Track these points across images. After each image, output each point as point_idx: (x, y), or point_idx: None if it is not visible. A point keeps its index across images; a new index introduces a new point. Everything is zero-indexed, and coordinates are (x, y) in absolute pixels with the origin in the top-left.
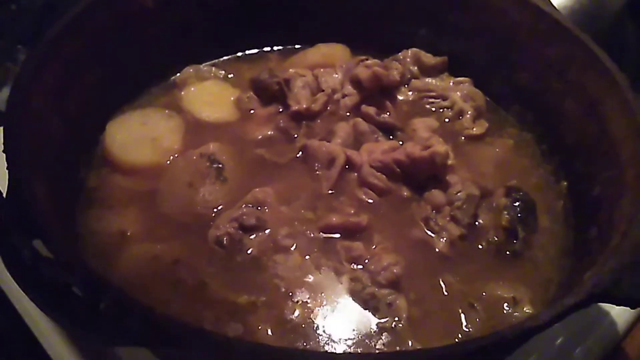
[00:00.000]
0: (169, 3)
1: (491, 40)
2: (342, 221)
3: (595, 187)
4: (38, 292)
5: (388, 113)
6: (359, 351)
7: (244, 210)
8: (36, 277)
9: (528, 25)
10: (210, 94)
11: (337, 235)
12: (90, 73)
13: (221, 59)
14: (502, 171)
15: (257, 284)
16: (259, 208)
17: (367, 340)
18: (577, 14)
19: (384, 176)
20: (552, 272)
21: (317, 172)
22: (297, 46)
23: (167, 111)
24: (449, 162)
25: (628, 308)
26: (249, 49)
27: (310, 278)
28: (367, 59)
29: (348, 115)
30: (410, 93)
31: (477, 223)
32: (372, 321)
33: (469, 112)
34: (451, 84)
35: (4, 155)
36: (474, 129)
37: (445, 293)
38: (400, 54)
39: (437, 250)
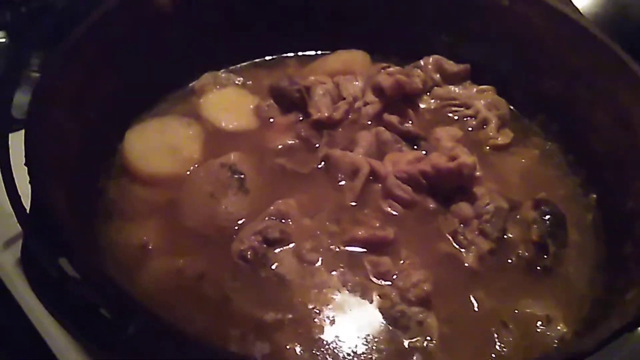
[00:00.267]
0: (187, 8)
1: (515, 48)
2: (369, 235)
3: (628, 200)
4: (66, 315)
5: (411, 122)
6: None
7: (267, 223)
8: (63, 299)
9: (554, 33)
10: (229, 101)
11: (363, 249)
12: (108, 80)
13: (239, 65)
14: (529, 182)
15: (283, 300)
16: (283, 221)
17: None
18: (601, 20)
19: (410, 188)
20: (585, 288)
21: (340, 183)
22: (315, 52)
23: (186, 119)
24: (476, 173)
25: None
26: (267, 55)
27: (337, 294)
28: (388, 67)
29: (369, 124)
30: (432, 101)
31: (505, 237)
32: (402, 340)
33: (494, 121)
34: (474, 92)
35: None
36: (499, 139)
37: (477, 310)
38: (421, 60)
39: (466, 265)
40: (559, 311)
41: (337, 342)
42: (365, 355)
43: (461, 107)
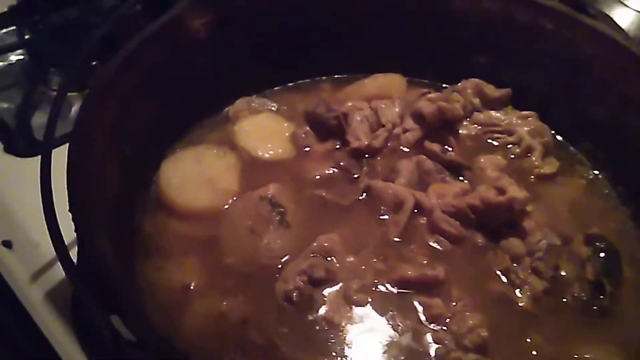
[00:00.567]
0: (220, 33)
1: (559, 72)
2: (419, 275)
3: None
4: None
5: (452, 149)
6: None
7: (312, 260)
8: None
9: (603, 59)
10: (264, 128)
11: (412, 289)
12: (143, 111)
13: (272, 90)
14: (577, 215)
15: (333, 346)
16: (327, 258)
17: None
18: None
19: (457, 222)
20: None
21: (383, 216)
22: (348, 75)
23: (221, 148)
24: (528, 208)
25: None
26: (300, 79)
27: (389, 340)
28: (429, 92)
29: (409, 152)
30: (472, 127)
31: (559, 275)
32: None
33: (538, 149)
34: (516, 117)
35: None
36: (545, 168)
37: (534, 354)
38: (459, 84)
39: (520, 305)
40: (621, 357)
41: None
42: None
43: (503, 133)
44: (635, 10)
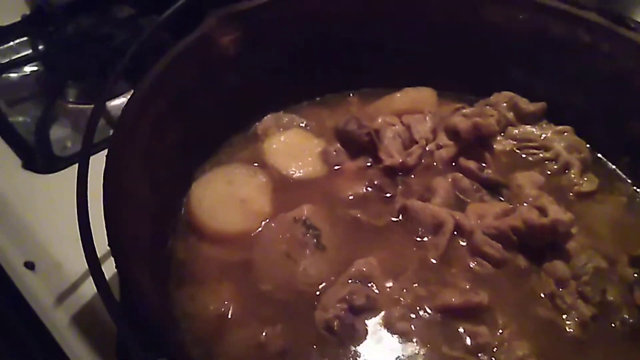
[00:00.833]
0: (248, 50)
1: (597, 86)
2: (463, 302)
3: None
4: None
5: (487, 166)
6: None
7: (351, 287)
8: None
9: None
10: (293, 145)
11: (456, 316)
12: (174, 131)
13: (299, 105)
14: (620, 234)
15: None
16: (368, 284)
17: None
18: None
19: (499, 244)
20: None
21: (422, 239)
22: (376, 89)
23: (251, 167)
24: (572, 230)
25: None
26: (327, 93)
27: None
28: (463, 107)
29: (443, 169)
30: (507, 142)
31: (606, 299)
32: None
33: (576, 166)
34: (552, 132)
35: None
36: (584, 185)
37: None
38: (492, 97)
39: (568, 331)
40: None
41: None
42: None
43: (539, 149)
44: None
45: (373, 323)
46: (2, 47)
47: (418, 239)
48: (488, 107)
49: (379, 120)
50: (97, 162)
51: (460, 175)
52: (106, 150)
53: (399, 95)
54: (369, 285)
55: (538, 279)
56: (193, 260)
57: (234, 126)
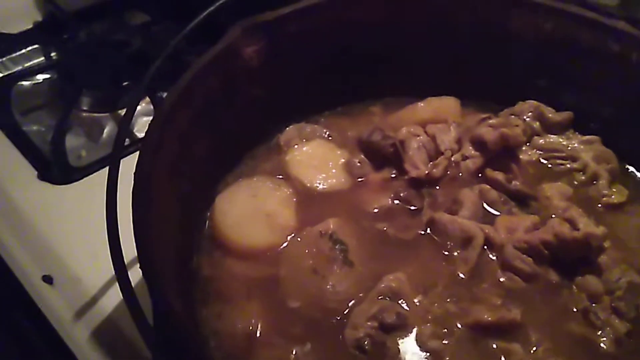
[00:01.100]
0: (272, 61)
1: (625, 95)
2: (496, 319)
3: None
4: None
5: (515, 177)
6: None
7: (381, 304)
8: None
9: None
10: (316, 157)
11: (488, 333)
12: (198, 143)
13: (321, 115)
14: None
15: None
16: (398, 301)
17: None
18: None
19: (530, 259)
20: None
21: (451, 253)
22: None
23: (275, 179)
24: (605, 244)
25: None
26: (348, 102)
27: None
28: (489, 117)
29: (469, 180)
30: (532, 152)
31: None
32: None
33: (605, 177)
34: (578, 142)
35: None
36: (613, 197)
37: None
38: (516, 107)
39: (602, 347)
40: None
41: None
42: None
43: (566, 159)
44: None
45: (404, 341)
46: (14, 55)
47: (446, 253)
48: (512, 116)
49: (403, 131)
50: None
51: (488, 187)
52: (122, 161)
53: (422, 104)
54: (399, 301)
55: (570, 294)
56: (219, 277)
57: (255, 137)
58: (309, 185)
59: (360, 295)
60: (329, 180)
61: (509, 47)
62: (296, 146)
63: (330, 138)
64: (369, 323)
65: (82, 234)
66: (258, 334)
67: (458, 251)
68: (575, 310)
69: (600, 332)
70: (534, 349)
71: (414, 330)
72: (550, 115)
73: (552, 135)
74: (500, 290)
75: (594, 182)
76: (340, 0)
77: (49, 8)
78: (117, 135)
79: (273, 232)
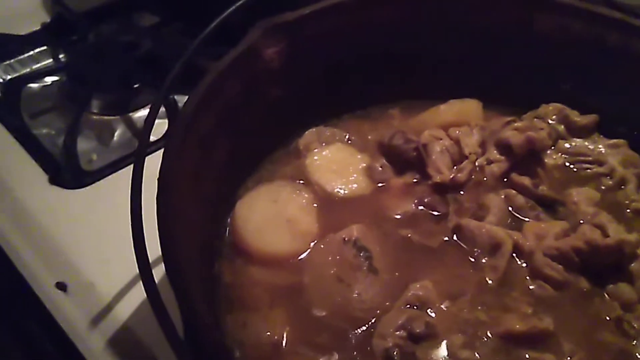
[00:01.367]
0: (291, 63)
1: None
2: (528, 328)
3: None
4: None
5: (542, 182)
6: None
7: (409, 313)
8: None
9: None
10: (337, 161)
11: (519, 342)
12: (219, 147)
13: (339, 118)
14: None
15: None
16: (426, 310)
17: None
18: None
19: (560, 266)
20: None
21: (479, 260)
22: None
23: (296, 185)
24: (638, 251)
25: None
26: (368, 105)
27: None
28: (514, 120)
29: (494, 185)
30: (558, 156)
31: None
32: None
33: (633, 181)
34: (604, 146)
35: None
36: None
37: None
38: (540, 109)
39: (638, 357)
40: None
41: None
42: None
43: (592, 164)
44: None
45: (434, 352)
46: (21, 57)
47: (473, 260)
48: (536, 119)
49: (426, 134)
50: (125, 177)
51: (514, 192)
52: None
53: (444, 107)
54: (427, 310)
55: (602, 302)
56: (241, 285)
57: (274, 141)
58: (329, 190)
59: (387, 304)
60: (350, 185)
61: (532, 49)
62: (316, 150)
63: (350, 142)
64: (397, 333)
65: (95, 239)
66: (284, 344)
67: (486, 258)
68: (608, 318)
69: (634, 341)
70: (568, 359)
71: (444, 340)
72: (575, 118)
73: (577, 139)
74: (531, 299)
75: (622, 186)
76: (360, 1)
77: (57, 9)
78: (142, 133)
79: (295, 238)
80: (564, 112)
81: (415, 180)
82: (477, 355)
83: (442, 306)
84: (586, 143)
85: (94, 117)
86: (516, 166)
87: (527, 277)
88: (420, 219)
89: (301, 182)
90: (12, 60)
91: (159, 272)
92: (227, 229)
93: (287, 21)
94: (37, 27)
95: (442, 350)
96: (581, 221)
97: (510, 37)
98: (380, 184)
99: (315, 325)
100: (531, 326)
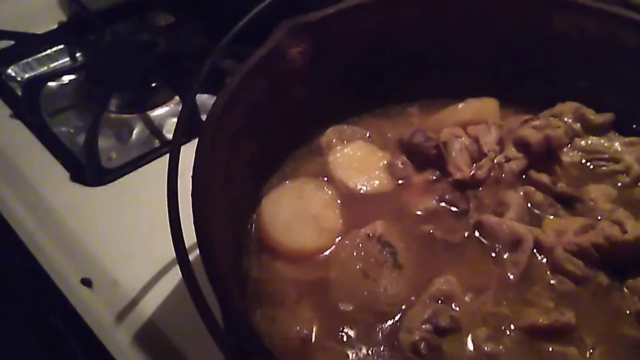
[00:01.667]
0: (314, 62)
1: None
2: (551, 322)
3: None
4: None
5: (556, 178)
6: None
7: (435, 307)
8: None
9: None
10: (358, 159)
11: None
12: (246, 145)
13: (360, 117)
14: None
15: None
16: (450, 304)
17: None
18: None
19: (581, 262)
20: None
21: (500, 255)
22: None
23: (319, 182)
24: None
25: None
26: (386, 104)
27: None
28: (531, 119)
29: (512, 182)
30: (574, 154)
31: None
32: None
33: None
34: (620, 144)
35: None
36: None
37: None
38: (556, 108)
39: None
40: None
41: None
42: None
43: (609, 161)
44: None
45: (460, 345)
46: (39, 56)
47: (494, 255)
48: (553, 117)
49: (445, 132)
50: (146, 175)
51: (533, 188)
52: (153, 163)
53: (462, 105)
54: (452, 304)
55: (621, 296)
56: (269, 280)
57: (297, 139)
58: (352, 187)
59: (412, 298)
60: (372, 182)
61: (548, 48)
62: (338, 147)
63: (370, 139)
64: (423, 326)
65: (118, 235)
66: (313, 339)
67: (507, 254)
68: (628, 312)
69: None
70: (590, 351)
71: (469, 333)
72: (591, 116)
73: (593, 137)
74: (552, 293)
75: (638, 183)
76: (382, 1)
77: (74, 8)
78: (177, 123)
79: (321, 234)
80: (580, 111)
81: (434, 177)
82: (501, 348)
83: (466, 300)
84: (602, 141)
85: (112, 115)
86: (534, 164)
87: (548, 272)
88: (442, 215)
89: (325, 179)
90: (29, 59)
91: None
92: (253, 225)
93: (311, 21)
94: (54, 26)
95: (468, 344)
96: (599, 217)
97: (526, 37)
98: (400, 181)
99: (343, 320)
100: (554, 320)
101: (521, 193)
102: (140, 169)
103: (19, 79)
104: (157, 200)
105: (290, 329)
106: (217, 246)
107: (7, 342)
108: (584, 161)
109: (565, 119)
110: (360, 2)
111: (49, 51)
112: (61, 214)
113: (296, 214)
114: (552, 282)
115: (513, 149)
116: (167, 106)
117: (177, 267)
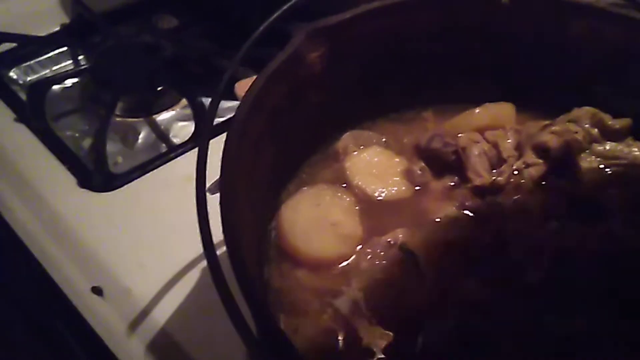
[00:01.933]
0: (331, 67)
1: None
2: None
3: None
4: None
5: (579, 185)
6: None
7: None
8: None
9: None
10: (375, 164)
11: None
12: (267, 151)
13: (374, 122)
14: None
15: None
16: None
17: None
18: None
19: None
20: None
21: (521, 263)
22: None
23: (337, 188)
24: None
25: None
26: (401, 109)
27: None
28: (550, 124)
29: (532, 187)
30: (592, 159)
31: None
32: None
33: None
34: (637, 149)
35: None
36: None
37: None
38: (573, 113)
39: None
40: None
41: None
42: None
43: (627, 167)
44: None
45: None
46: (41, 58)
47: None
48: (570, 122)
49: (463, 137)
50: (155, 179)
51: (554, 195)
52: (162, 167)
53: (478, 110)
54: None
55: None
56: (290, 289)
57: (313, 145)
58: (370, 193)
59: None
60: (390, 188)
61: (565, 54)
62: (354, 153)
63: (386, 145)
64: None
65: (128, 241)
66: (339, 349)
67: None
68: None
69: None
70: None
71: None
72: (609, 122)
73: (611, 142)
74: None
75: None
76: (399, 5)
77: (77, 9)
78: (205, 118)
79: (341, 242)
80: (597, 116)
81: (453, 183)
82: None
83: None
84: (620, 146)
85: (118, 119)
86: (553, 169)
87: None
88: (462, 222)
89: (343, 185)
90: (32, 62)
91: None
92: (273, 233)
93: (330, 25)
94: (57, 28)
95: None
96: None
97: (543, 42)
98: (418, 187)
99: (366, 330)
100: None
101: (542, 199)
102: (148, 174)
103: (20, 81)
104: (168, 206)
105: (314, 340)
106: (245, 251)
107: (13, 353)
108: (601, 166)
109: (583, 124)
110: (378, 6)
111: (51, 54)
112: (69, 221)
113: (315, 221)
114: None
115: (532, 154)
116: (173, 110)
117: (190, 273)
